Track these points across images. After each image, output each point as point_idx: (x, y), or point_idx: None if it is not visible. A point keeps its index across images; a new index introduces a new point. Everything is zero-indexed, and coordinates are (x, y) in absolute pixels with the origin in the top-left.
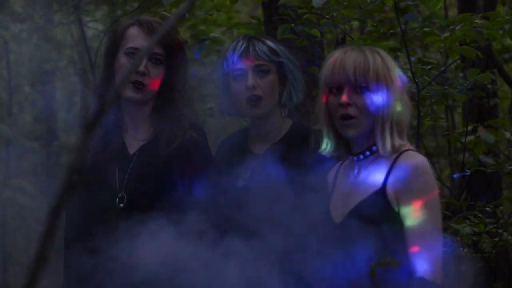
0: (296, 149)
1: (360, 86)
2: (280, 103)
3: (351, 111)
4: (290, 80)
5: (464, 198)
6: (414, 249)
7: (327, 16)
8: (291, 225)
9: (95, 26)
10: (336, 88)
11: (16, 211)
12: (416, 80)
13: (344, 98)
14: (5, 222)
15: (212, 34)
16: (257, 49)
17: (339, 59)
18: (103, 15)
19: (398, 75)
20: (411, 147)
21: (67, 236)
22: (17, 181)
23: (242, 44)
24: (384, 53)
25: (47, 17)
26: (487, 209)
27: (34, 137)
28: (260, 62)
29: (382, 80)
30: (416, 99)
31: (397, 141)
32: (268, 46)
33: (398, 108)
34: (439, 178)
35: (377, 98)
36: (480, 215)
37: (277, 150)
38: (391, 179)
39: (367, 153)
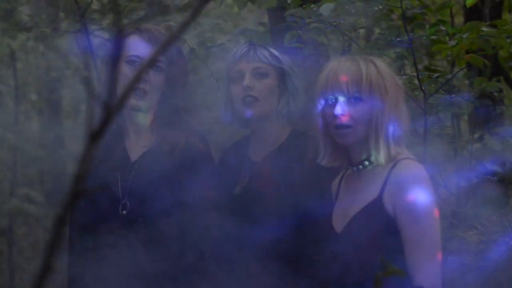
0: (293, 156)
1: (354, 96)
2: (278, 110)
3: (346, 121)
4: (289, 89)
5: (471, 206)
6: (412, 259)
7: (334, 24)
8: (287, 233)
9: (101, 35)
10: (330, 99)
11: (23, 220)
12: (423, 88)
13: (338, 109)
14: (12, 230)
15: (219, 42)
16: (257, 52)
17: (333, 70)
18: (109, 23)
19: (395, 83)
20: (409, 156)
21: (71, 244)
22: (24, 190)
23: (244, 48)
24: (379, 62)
25: (54, 25)
26: (494, 217)
27: (41, 145)
28: (259, 65)
29: (375, 90)
30: (423, 107)
31: (393, 150)
32: (270, 52)
33: (394, 116)
34: (445, 186)
35: (371, 108)
36: (487, 224)
37: (274, 157)
38: (387, 188)
39: (366, 162)
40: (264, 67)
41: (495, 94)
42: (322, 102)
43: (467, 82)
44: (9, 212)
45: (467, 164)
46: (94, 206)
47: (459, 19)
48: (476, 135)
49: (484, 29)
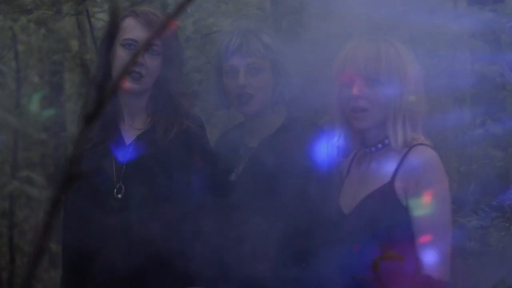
0: (289, 142)
1: (371, 78)
2: (273, 98)
3: (362, 103)
4: (283, 77)
5: (472, 191)
6: (422, 244)
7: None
8: (284, 219)
9: (102, 17)
10: (347, 80)
11: (24, 202)
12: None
13: (355, 90)
14: (13, 213)
15: (214, 29)
16: (250, 46)
17: (351, 51)
18: (111, 6)
19: (415, 67)
20: (424, 141)
21: (65, 228)
22: (25, 172)
23: (236, 40)
24: (399, 45)
25: (55, 8)
26: (494, 203)
27: (42, 128)
28: (253, 60)
29: (394, 72)
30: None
31: (410, 135)
32: (263, 43)
33: (412, 100)
34: (446, 171)
35: (389, 91)
36: (488, 209)
37: (270, 143)
38: (400, 173)
39: (379, 145)
40: (258, 62)
41: (497, 79)
42: (339, 83)
43: (469, 67)
44: (10, 195)
45: (468, 149)
46: (89, 190)
47: (462, 4)
48: (477, 121)
49: (486, 13)
